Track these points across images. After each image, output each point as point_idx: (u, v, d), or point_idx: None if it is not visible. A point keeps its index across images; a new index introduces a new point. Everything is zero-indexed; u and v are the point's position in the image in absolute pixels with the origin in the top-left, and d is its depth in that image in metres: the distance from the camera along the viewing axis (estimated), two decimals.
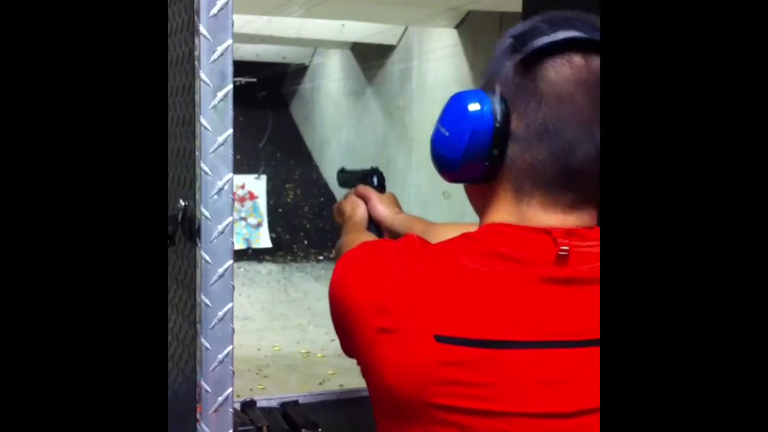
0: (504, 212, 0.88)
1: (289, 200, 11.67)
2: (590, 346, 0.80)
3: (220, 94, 0.95)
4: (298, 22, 8.37)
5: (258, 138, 11.31)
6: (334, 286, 0.91)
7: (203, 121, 0.94)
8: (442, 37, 7.95)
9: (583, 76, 0.82)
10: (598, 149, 0.82)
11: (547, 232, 0.84)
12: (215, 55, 0.94)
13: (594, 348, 0.79)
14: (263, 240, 10.30)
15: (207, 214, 0.96)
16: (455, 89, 0.93)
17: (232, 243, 0.98)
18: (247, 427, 1.52)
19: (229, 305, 0.98)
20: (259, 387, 5.29)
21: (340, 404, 1.77)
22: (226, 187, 0.96)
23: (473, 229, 0.90)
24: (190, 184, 0.99)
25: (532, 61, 0.84)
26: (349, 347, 0.90)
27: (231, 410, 0.99)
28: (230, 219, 0.97)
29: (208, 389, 0.98)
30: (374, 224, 1.35)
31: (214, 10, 0.93)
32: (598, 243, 0.83)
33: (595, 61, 0.82)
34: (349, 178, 1.48)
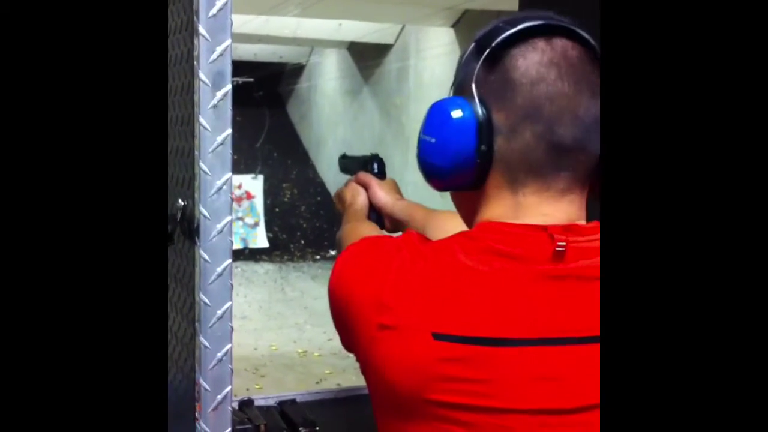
0: (500, 207, 0.88)
1: (286, 200, 11.67)
2: (589, 343, 0.81)
3: (219, 94, 0.95)
4: (295, 21, 8.37)
5: (255, 137, 11.30)
6: (333, 282, 0.92)
7: (202, 120, 0.95)
8: (439, 35, 7.96)
9: (548, 56, 0.86)
10: (584, 127, 0.85)
11: (543, 228, 0.84)
12: (214, 56, 0.94)
13: (592, 345, 0.80)
14: (260, 240, 10.29)
15: (206, 213, 0.96)
16: None
17: (231, 242, 0.98)
18: (245, 426, 1.52)
19: (228, 304, 0.99)
20: (256, 387, 5.29)
21: (338, 403, 1.78)
22: (224, 187, 0.97)
23: None
24: (189, 184, 0.99)
25: (499, 55, 0.87)
26: (348, 343, 0.90)
27: (230, 408, 1.00)
28: (229, 218, 0.98)
29: (207, 387, 0.98)
30: (375, 211, 1.35)
31: (213, 11, 0.94)
32: (596, 238, 0.84)
33: (557, 41, 0.86)
34: (349, 164, 1.48)
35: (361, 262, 0.90)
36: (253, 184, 10.28)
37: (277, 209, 11.27)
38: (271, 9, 7.31)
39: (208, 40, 0.94)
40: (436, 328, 0.81)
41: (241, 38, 8.81)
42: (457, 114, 0.88)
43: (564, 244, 0.83)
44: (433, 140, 0.90)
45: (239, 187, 10.06)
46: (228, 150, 0.97)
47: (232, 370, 0.99)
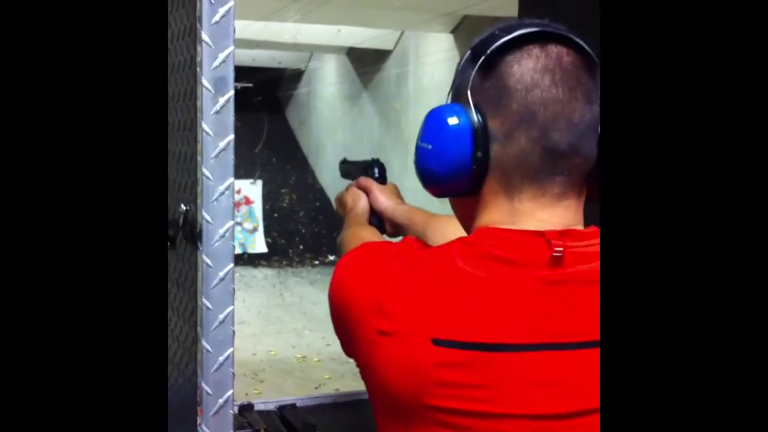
0: (497, 213, 0.89)
1: (284, 205, 11.66)
2: (587, 348, 0.81)
3: (221, 100, 0.96)
4: (294, 27, 8.37)
5: (254, 143, 11.30)
6: (333, 287, 0.92)
7: (205, 126, 0.96)
8: (438, 41, 7.97)
9: (542, 62, 0.86)
10: (579, 132, 0.86)
11: (540, 234, 0.85)
12: (217, 62, 0.95)
13: (591, 349, 0.81)
14: (259, 245, 10.27)
15: (208, 218, 0.97)
16: None
17: (233, 246, 0.99)
18: (245, 430, 1.52)
19: (230, 308, 0.99)
20: (255, 392, 5.27)
21: (338, 407, 1.78)
22: (227, 192, 0.98)
23: None
24: (192, 189, 1.00)
25: (494, 62, 0.87)
26: (348, 348, 0.91)
27: (231, 412, 1.00)
28: (231, 223, 0.98)
29: (209, 391, 0.99)
30: (376, 216, 1.35)
31: (216, 18, 0.94)
32: (594, 243, 0.84)
33: (552, 48, 0.87)
34: (350, 169, 1.48)
35: (360, 268, 0.90)
36: (252, 189, 10.27)
37: (275, 214, 11.26)
38: (270, 14, 7.32)
39: (210, 46, 0.95)
40: (435, 333, 0.82)
41: (240, 43, 8.67)
42: (453, 121, 0.88)
43: (561, 249, 0.83)
44: (429, 147, 0.91)
45: (238, 192, 10.03)
46: (230, 155, 0.97)
47: (233, 374, 1.00)
